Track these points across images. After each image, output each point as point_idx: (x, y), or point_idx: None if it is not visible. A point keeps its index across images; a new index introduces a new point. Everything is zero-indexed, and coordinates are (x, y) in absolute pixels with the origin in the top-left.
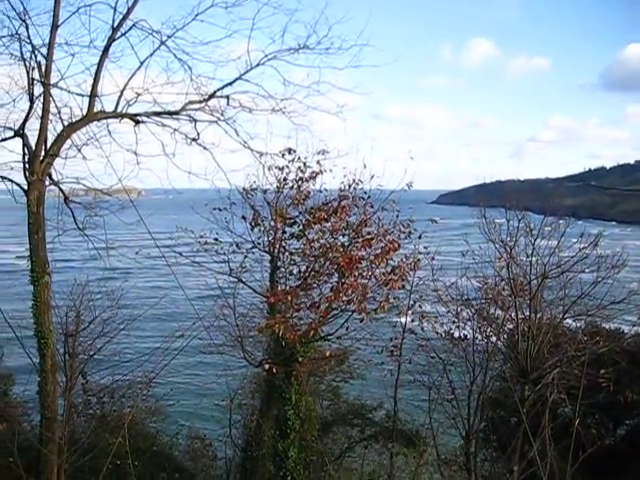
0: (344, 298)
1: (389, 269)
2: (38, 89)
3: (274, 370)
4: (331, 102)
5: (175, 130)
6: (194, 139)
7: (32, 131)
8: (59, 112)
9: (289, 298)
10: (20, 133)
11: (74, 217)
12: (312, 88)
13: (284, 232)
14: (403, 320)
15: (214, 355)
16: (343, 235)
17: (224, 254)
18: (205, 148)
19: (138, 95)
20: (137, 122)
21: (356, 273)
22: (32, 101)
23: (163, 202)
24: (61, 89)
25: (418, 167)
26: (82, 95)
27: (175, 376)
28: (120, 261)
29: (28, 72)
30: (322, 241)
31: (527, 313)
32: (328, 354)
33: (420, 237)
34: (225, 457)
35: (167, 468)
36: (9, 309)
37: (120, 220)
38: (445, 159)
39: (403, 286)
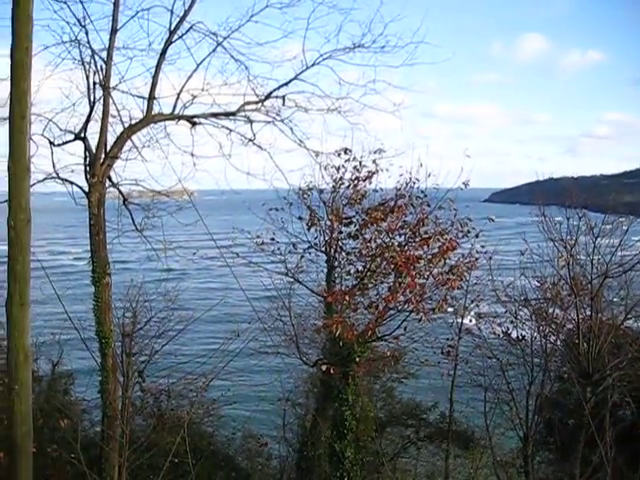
0: (401, 298)
1: (447, 268)
2: (98, 93)
3: (331, 371)
4: (386, 101)
5: (230, 131)
6: (250, 140)
7: (91, 134)
8: (119, 115)
9: (347, 298)
10: (81, 136)
11: (132, 218)
12: (368, 87)
13: (340, 232)
14: (459, 320)
15: (268, 356)
16: (400, 235)
17: (281, 254)
18: (262, 148)
19: (194, 97)
20: (194, 124)
21: (413, 273)
22: (92, 105)
23: (216, 203)
24: (123, 92)
25: (470, 165)
26: (142, 97)
27: (229, 376)
28: (178, 262)
29: (88, 76)
30: (378, 241)
31: (588, 313)
32: (388, 354)
33: (477, 236)
34: (279, 456)
35: (224, 467)
36: (69, 310)
37: (177, 221)
38: (497, 157)
39: (461, 286)
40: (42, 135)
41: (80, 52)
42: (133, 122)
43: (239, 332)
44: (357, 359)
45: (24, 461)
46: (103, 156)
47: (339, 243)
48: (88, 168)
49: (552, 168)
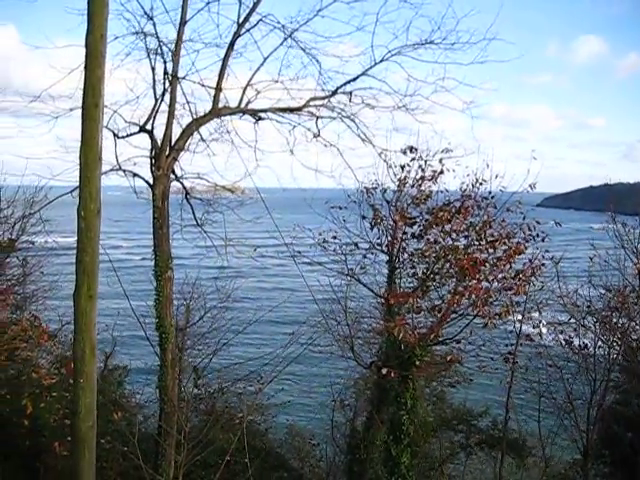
0: (465, 302)
1: (512, 273)
2: (162, 86)
3: (392, 374)
4: (454, 100)
5: (294, 127)
6: (315, 135)
7: (156, 127)
8: (188, 106)
9: (411, 300)
10: (146, 128)
11: (194, 213)
12: (437, 84)
13: (405, 232)
14: (519, 326)
15: (320, 356)
16: (465, 237)
17: (342, 254)
18: (332, 144)
19: (258, 92)
20: (259, 118)
21: (479, 276)
22: (161, 96)
23: (276, 201)
24: (193, 82)
25: (522, 169)
26: (211, 87)
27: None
28: (239, 258)
29: (154, 68)
30: (443, 242)
31: None
32: (449, 358)
33: (544, 240)
34: (326, 458)
35: (277, 467)
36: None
37: (239, 217)
38: (550, 161)
39: (526, 292)
40: (106, 127)
41: (146, 45)
42: (198, 116)
43: (296, 335)
44: (417, 362)
45: (87, 455)
46: (169, 149)
47: (402, 244)
48: (153, 161)
49: (607, 173)
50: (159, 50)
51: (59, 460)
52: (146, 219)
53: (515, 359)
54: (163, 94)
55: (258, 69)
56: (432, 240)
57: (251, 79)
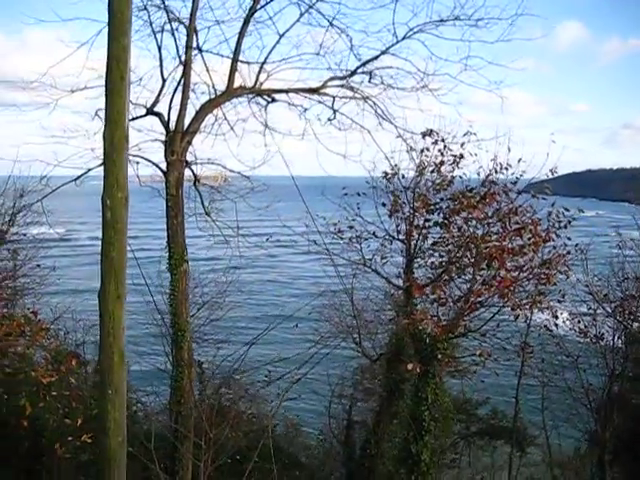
0: (494, 292)
1: (538, 261)
2: (172, 65)
3: (417, 369)
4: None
5: (305, 110)
6: (331, 119)
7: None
8: (209, 83)
9: (437, 292)
10: (155, 111)
11: (202, 201)
12: (463, 63)
13: (427, 220)
14: (539, 316)
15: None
16: (489, 224)
17: (358, 243)
18: (360, 125)
19: (267, 75)
20: (272, 100)
21: (507, 265)
22: (164, 78)
23: (288, 189)
24: (214, 53)
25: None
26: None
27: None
28: (248, 249)
29: (160, 47)
30: (467, 230)
31: None
32: (479, 353)
33: (566, 227)
34: (337, 454)
35: (290, 466)
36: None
37: (250, 205)
38: (532, 147)
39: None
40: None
41: (150, 20)
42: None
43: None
44: (439, 356)
45: (117, 474)
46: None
47: (422, 231)
48: (167, 145)
49: (590, 160)
50: (170, 26)
51: (61, 462)
52: (146, 208)
53: (530, 350)
54: (183, 70)
55: (274, 46)
56: (457, 227)
57: (267, 58)
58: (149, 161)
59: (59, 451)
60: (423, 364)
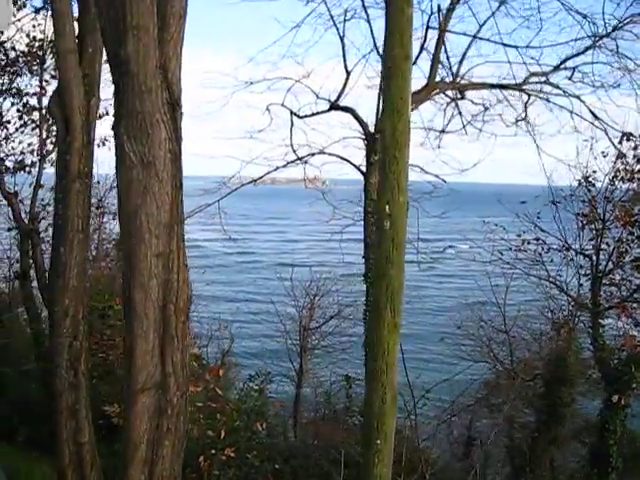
0: None
1: None
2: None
3: (622, 401)
4: None
5: (486, 108)
6: (519, 120)
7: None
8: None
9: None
10: (342, 106)
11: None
12: None
13: (631, 233)
14: None
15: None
16: None
17: (540, 257)
18: (575, 129)
19: (457, 70)
20: (461, 97)
21: None
22: (348, 70)
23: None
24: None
25: None
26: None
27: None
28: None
29: (341, 37)
30: None
31: None
32: None
33: None
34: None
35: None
36: None
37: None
38: None
39: None
40: (282, 105)
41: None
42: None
43: None
44: (634, 385)
45: None
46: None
47: (623, 247)
48: (369, 144)
49: None
50: (365, 13)
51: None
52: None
53: None
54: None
55: (473, 39)
56: None
57: (466, 51)
58: (347, 161)
59: (203, 464)
60: (614, 391)
